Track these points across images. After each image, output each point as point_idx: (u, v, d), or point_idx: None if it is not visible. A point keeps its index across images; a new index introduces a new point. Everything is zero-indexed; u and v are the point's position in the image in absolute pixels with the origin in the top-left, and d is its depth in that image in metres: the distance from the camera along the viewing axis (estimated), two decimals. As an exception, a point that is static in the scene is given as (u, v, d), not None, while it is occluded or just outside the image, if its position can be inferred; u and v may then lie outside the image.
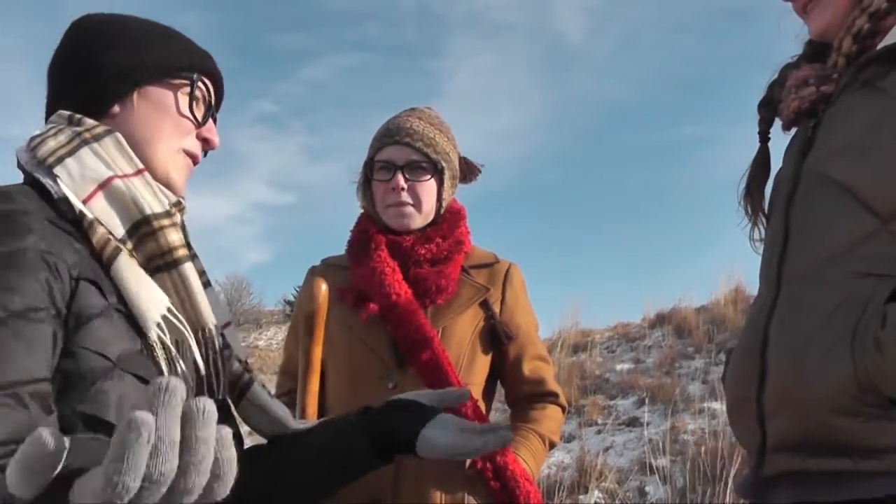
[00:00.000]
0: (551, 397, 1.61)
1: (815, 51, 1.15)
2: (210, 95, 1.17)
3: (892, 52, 0.97)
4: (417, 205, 1.55)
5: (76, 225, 0.99)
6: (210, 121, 1.17)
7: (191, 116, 1.14)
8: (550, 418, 1.60)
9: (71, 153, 1.03)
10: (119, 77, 1.09)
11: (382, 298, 1.47)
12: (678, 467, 4.58)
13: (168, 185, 1.12)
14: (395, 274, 1.50)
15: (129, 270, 0.99)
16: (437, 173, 1.56)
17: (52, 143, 1.04)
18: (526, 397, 1.61)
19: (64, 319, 0.91)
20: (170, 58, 1.13)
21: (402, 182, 1.52)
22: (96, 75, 1.09)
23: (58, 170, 1.01)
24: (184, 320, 1.03)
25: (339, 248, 1.71)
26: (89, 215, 0.99)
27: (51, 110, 1.12)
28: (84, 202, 1.01)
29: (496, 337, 1.54)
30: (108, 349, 0.93)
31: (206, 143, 1.17)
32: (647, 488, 4.64)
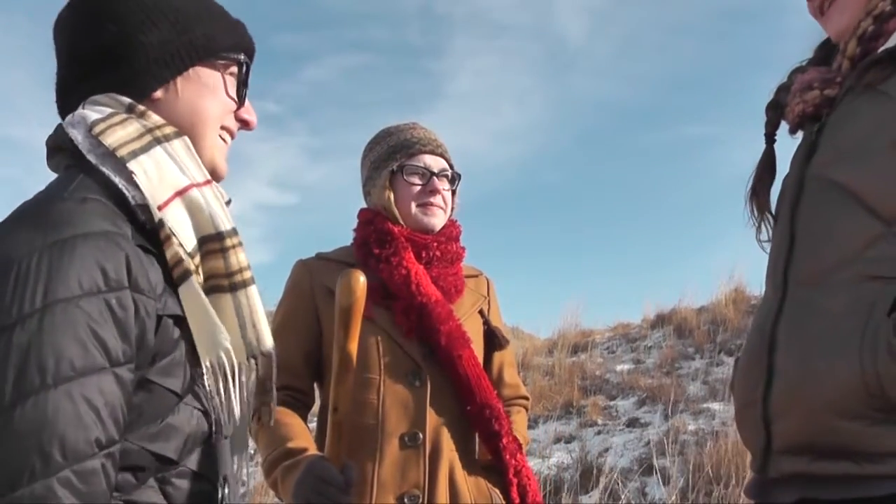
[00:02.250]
0: (524, 400, 1.74)
1: (826, 55, 1.15)
2: (248, 73, 1.06)
3: (893, 54, 0.97)
4: (444, 209, 1.67)
5: (151, 235, 0.90)
6: (247, 101, 1.07)
7: (236, 98, 1.04)
8: (524, 421, 1.73)
9: (145, 150, 0.92)
10: (166, 60, 0.97)
11: (416, 299, 1.53)
12: (678, 467, 4.58)
13: (213, 171, 1.02)
14: (426, 276, 1.57)
15: (196, 299, 0.91)
16: (456, 184, 1.70)
17: (121, 133, 0.91)
18: (504, 400, 1.69)
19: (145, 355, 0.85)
20: (217, 37, 1.01)
21: (440, 187, 1.64)
22: (137, 56, 0.95)
23: (133, 166, 0.90)
24: (241, 349, 0.96)
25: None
26: (167, 227, 0.90)
27: (71, 87, 0.99)
28: (159, 208, 0.91)
29: (490, 342, 1.66)
30: (176, 384, 0.89)
31: (244, 124, 1.07)
32: (647, 489, 4.64)
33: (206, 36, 1.00)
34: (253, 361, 0.98)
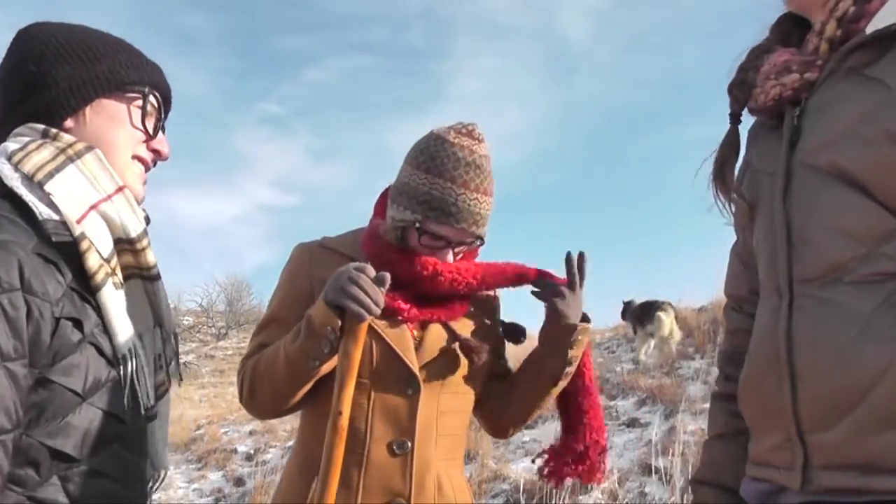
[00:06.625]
0: None
1: (785, 32, 1.11)
2: (159, 108, 1.19)
3: (880, 38, 0.93)
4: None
5: (63, 247, 1.00)
6: (161, 133, 1.19)
7: (143, 128, 1.15)
8: None
9: (58, 169, 1.04)
10: (73, 91, 1.09)
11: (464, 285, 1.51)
12: (678, 468, 4.57)
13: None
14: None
15: (113, 299, 1.04)
16: (474, 246, 1.56)
17: (36, 158, 1.03)
18: None
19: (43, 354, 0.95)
20: (122, 71, 1.13)
21: (452, 258, 1.51)
22: (48, 89, 1.08)
23: (49, 187, 1.01)
24: (149, 318, 1.14)
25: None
26: (87, 239, 1.02)
27: (3, 119, 1.11)
28: (78, 222, 1.02)
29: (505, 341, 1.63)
30: (77, 384, 0.97)
31: (156, 154, 1.19)
32: (647, 489, 4.63)
33: (110, 70, 1.12)
34: (158, 330, 1.15)
